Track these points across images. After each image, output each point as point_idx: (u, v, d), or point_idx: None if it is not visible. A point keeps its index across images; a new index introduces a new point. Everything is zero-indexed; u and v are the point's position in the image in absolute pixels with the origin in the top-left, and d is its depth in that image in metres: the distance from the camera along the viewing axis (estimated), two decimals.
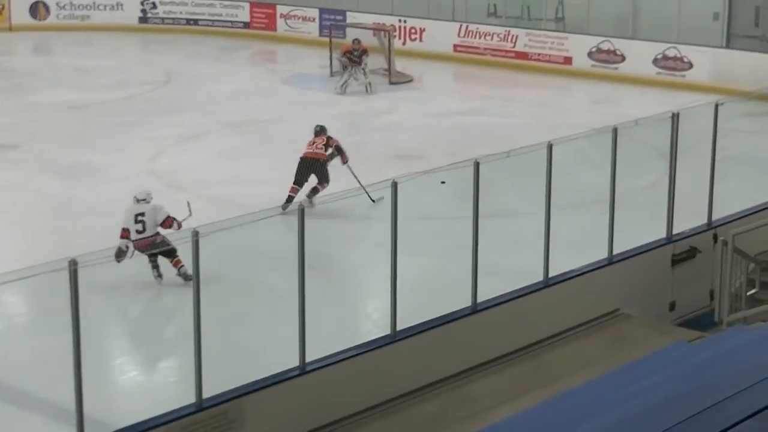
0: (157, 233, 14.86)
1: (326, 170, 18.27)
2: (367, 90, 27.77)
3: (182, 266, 14.45)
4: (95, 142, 22.76)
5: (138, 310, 14.84)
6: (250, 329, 13.54)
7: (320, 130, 18.69)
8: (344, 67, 28.00)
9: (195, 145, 22.66)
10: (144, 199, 15.08)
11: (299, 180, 18.11)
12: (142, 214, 14.85)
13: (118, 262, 13.92)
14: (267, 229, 11.34)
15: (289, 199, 17.74)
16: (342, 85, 27.82)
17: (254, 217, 10.94)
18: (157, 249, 14.56)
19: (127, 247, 14.55)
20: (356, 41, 28.42)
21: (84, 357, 9.61)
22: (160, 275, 14.79)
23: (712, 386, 7.65)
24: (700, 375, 8.21)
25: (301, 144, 18.30)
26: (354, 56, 27.77)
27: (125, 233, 14.73)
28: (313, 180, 18.16)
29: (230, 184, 19.55)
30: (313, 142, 18.48)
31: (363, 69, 27.71)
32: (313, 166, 18.21)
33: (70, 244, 14.53)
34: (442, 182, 17.63)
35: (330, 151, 18.44)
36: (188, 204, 15.10)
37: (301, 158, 18.26)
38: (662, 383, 8.12)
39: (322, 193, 17.46)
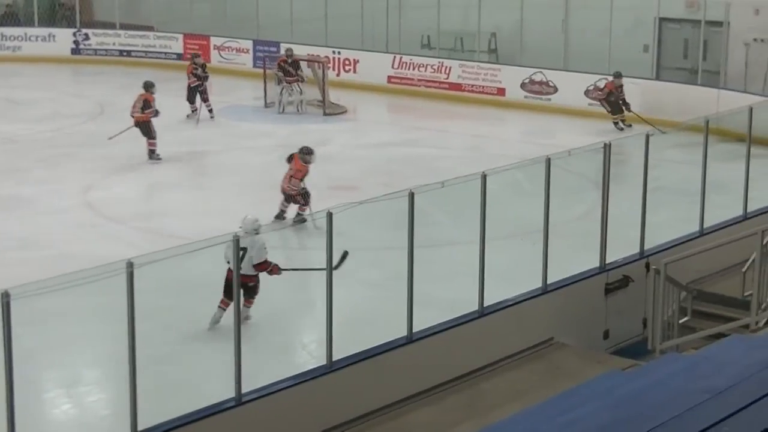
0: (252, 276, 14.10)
1: (604, 104, 27.01)
2: (298, 109, 28.27)
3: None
4: (27, 174, 22.56)
5: (72, 340, 14.67)
6: (186, 360, 13.46)
7: (617, 74, 26.85)
8: (279, 82, 28.48)
9: (128, 176, 22.53)
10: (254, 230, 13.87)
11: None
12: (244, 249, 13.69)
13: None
14: (202, 260, 11.30)
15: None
16: (279, 104, 28.65)
17: (189, 248, 10.90)
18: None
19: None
20: (289, 50, 28.90)
21: (16, 390, 9.52)
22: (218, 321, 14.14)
23: (646, 414, 7.71)
24: (634, 403, 8.27)
25: (238, 175, 18.33)
26: (288, 66, 28.16)
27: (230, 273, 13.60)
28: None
29: (164, 216, 19.48)
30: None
31: (298, 84, 28.51)
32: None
33: (1, 276, 14.37)
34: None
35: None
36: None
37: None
38: (596, 412, 8.17)
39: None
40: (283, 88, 28.71)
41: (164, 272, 10.91)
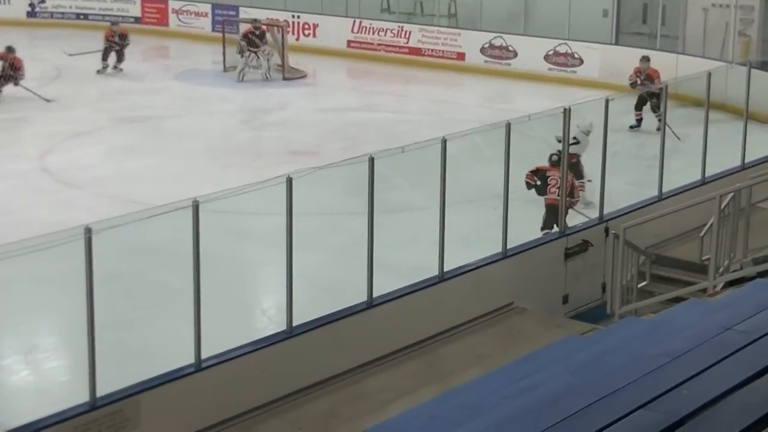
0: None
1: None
2: (266, 77, 28.01)
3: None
4: None
5: (29, 306, 14.59)
6: (145, 326, 13.42)
7: (643, 58, 24.23)
8: (241, 53, 28.23)
9: (87, 141, 22.37)
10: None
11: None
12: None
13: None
14: (161, 226, 11.23)
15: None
16: (239, 73, 28.18)
17: (148, 213, 10.83)
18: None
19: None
20: (256, 21, 28.69)
21: None
22: None
23: (604, 378, 7.76)
24: (593, 367, 8.31)
25: (197, 140, 18.24)
26: (254, 37, 28.03)
27: None
28: None
29: (123, 181, 19.35)
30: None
31: (264, 52, 28.30)
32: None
33: None
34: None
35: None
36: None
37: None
38: (555, 376, 8.20)
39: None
40: (244, 58, 28.46)
41: (123, 238, 10.84)
